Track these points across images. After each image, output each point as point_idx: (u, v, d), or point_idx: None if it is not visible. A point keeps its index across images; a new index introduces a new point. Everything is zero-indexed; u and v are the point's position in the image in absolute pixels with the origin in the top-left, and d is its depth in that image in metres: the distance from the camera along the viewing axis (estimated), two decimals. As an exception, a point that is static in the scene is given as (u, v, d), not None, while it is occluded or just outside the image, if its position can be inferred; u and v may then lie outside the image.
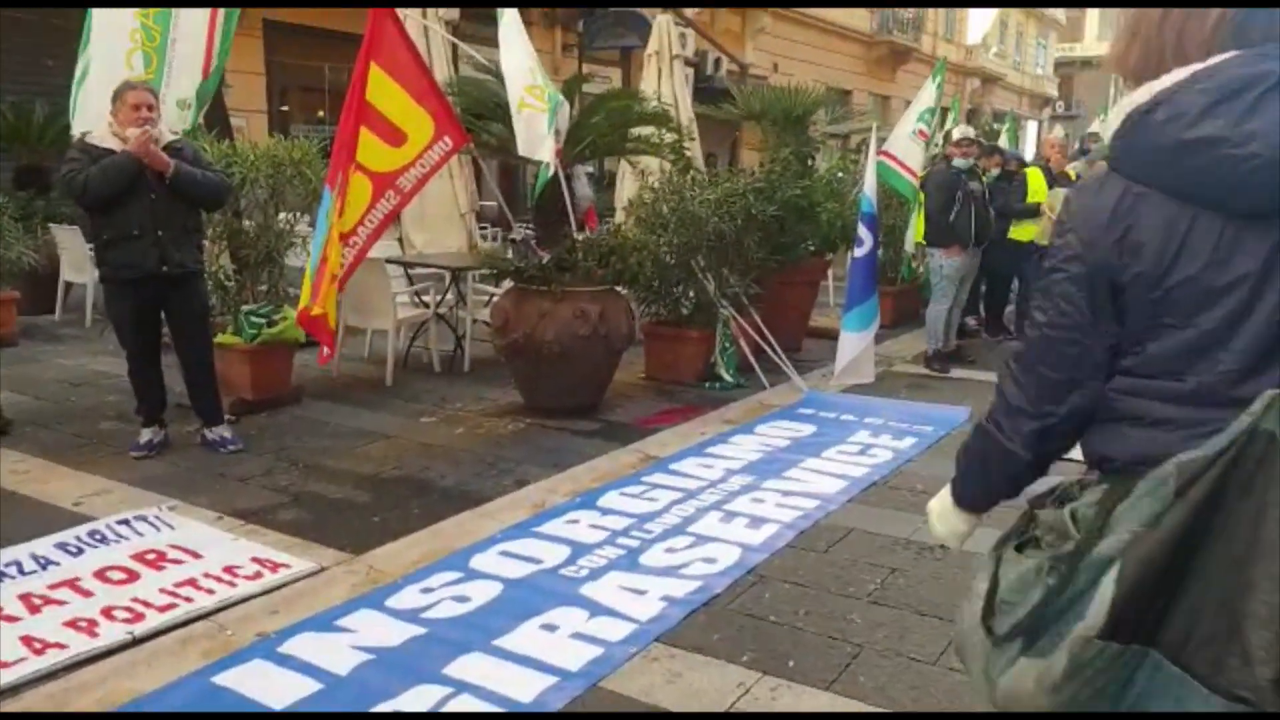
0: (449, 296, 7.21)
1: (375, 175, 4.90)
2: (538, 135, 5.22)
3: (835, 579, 3.72)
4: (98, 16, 5.45)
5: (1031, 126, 39.50)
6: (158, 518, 4.09)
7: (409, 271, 7.24)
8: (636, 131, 6.34)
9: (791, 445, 5.41)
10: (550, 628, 3.25)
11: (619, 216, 10.46)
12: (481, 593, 3.49)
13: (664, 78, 10.71)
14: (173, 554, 3.76)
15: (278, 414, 5.78)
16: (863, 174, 7.62)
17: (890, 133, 8.16)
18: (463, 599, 3.44)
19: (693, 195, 6.36)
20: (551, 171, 5.31)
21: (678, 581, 3.64)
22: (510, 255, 6.47)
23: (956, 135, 7.34)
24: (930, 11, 31.64)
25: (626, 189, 11.28)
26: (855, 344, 6.73)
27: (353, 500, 4.46)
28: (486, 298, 7.28)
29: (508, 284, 6.64)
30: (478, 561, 3.78)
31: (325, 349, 4.90)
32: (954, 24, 34.30)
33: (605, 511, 4.34)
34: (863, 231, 6.74)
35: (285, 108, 13.71)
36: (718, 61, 19.17)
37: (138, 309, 4.83)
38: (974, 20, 35.37)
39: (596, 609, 3.39)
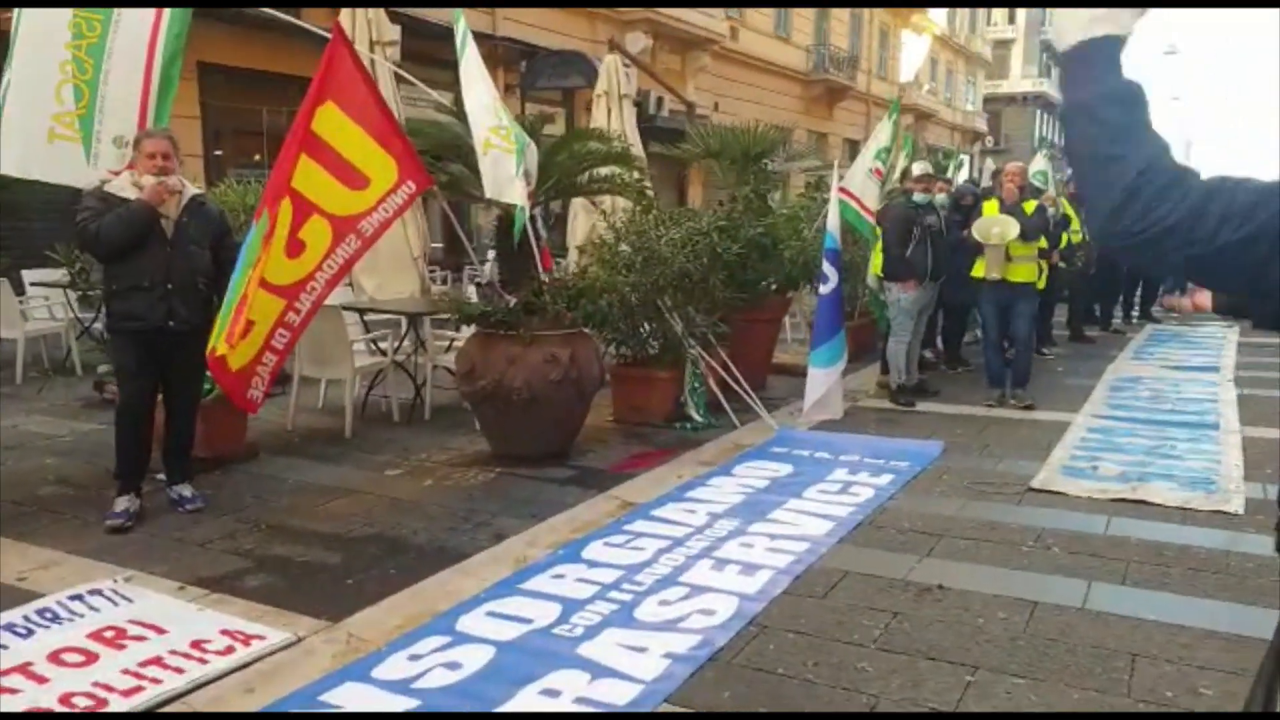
0: (406, 343, 6.99)
1: (335, 219, 4.72)
2: (505, 177, 5.08)
3: (838, 625, 3.59)
4: (24, 43, 5.10)
5: (964, 160, 40.48)
6: (114, 591, 3.80)
7: (363, 318, 7.01)
8: (602, 171, 6.24)
9: (771, 486, 5.29)
10: (551, 693, 3.06)
11: (572, 256, 10.37)
12: (473, 658, 3.28)
13: (614, 116, 10.71)
14: (134, 630, 3.48)
15: (233, 472, 5.49)
16: (823, 211, 7.64)
17: (849, 171, 8.18)
18: (454, 665, 3.23)
19: (658, 235, 6.27)
20: (528, 214, 5.18)
21: (678, 636, 3.48)
22: (473, 299, 6.28)
23: (917, 171, 7.39)
24: (864, 50, 32.41)
25: (579, 228, 11.22)
26: (823, 380, 6.67)
27: (324, 562, 4.21)
28: (446, 343, 7.10)
29: (468, 328, 6.48)
30: (465, 624, 3.57)
31: (255, 398, 4.68)
32: (887, 62, 35.18)
33: (592, 564, 4.16)
34: (827, 268, 6.71)
35: (220, 152, 13.39)
36: (660, 101, 19.32)
37: (141, 362, 4.60)
38: (906, 59, 36.33)
39: (598, 670, 3.20)
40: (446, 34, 15.09)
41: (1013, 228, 6.90)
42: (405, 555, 4.31)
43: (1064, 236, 9.29)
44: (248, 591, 3.86)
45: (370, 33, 8.61)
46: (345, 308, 6.70)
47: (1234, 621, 3.56)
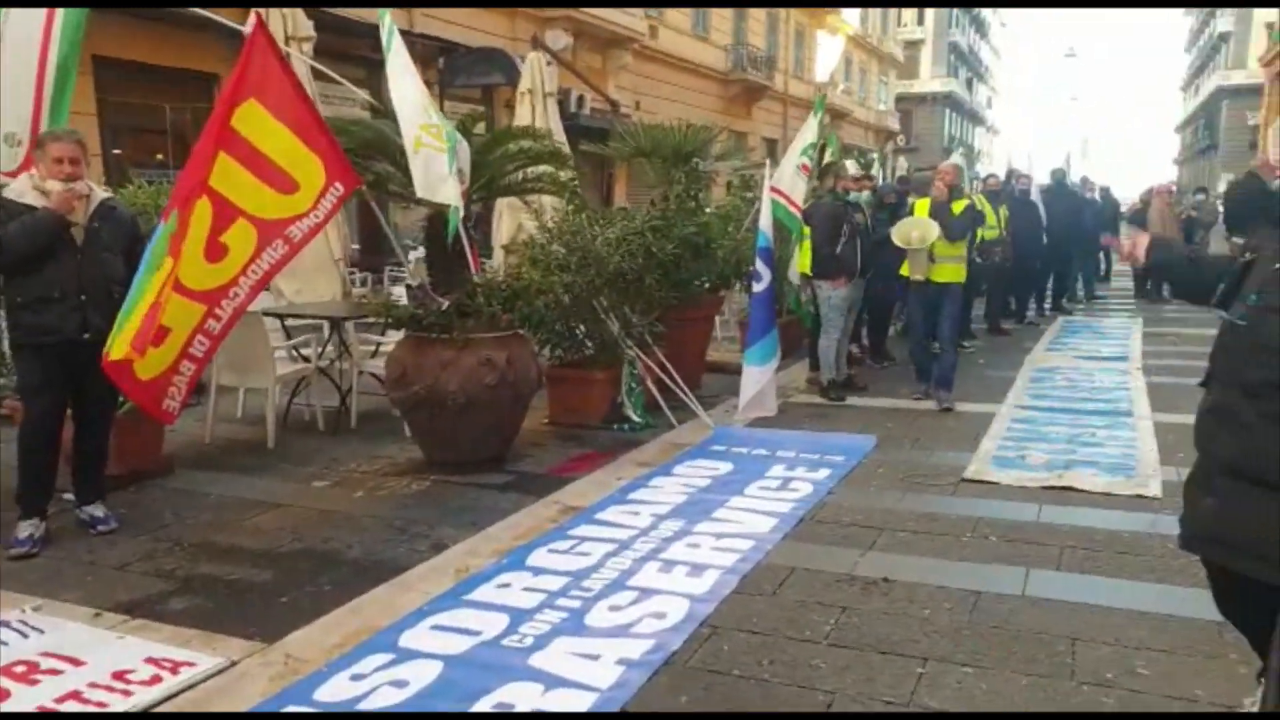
0: (329, 349, 6.78)
1: (262, 223, 4.52)
2: (438, 176, 4.94)
3: (789, 623, 3.57)
4: None
5: (874, 157, 41.29)
6: (22, 622, 3.56)
7: (284, 324, 6.76)
8: (535, 170, 6.14)
9: (713, 484, 5.27)
10: (505, 707, 2.97)
11: (497, 256, 10.21)
12: (420, 674, 3.17)
13: (538, 114, 10.57)
14: (46, 664, 3.26)
15: (148, 488, 5.23)
16: (755, 210, 7.65)
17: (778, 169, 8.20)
18: (401, 684, 3.11)
19: (593, 234, 6.19)
20: (462, 214, 5.04)
21: (630, 642, 3.42)
22: (401, 301, 6.11)
23: (852, 170, 7.46)
24: (781, 50, 32.79)
25: (504, 228, 11.06)
26: (758, 378, 6.67)
27: (253, 580, 4.03)
28: (372, 348, 6.90)
29: (395, 333, 6.31)
30: (409, 639, 3.44)
31: (172, 409, 4.47)
32: (803, 62, 35.66)
33: (537, 571, 4.07)
34: (760, 266, 6.72)
35: (120, 151, 12.81)
36: (581, 99, 19.22)
37: (51, 376, 4.33)
38: (822, 59, 36.89)
39: (551, 681, 3.12)
40: (363, 30, 14.80)
41: (932, 230, 6.90)
42: (340, 570, 4.15)
43: (979, 233, 9.49)
44: (172, 615, 3.66)
45: (285, 27, 8.35)
46: (265, 313, 6.46)
47: (1160, 602, 3.67)
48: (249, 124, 4.48)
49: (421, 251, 11.55)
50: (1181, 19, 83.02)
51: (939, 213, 7.11)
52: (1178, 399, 7.06)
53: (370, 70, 14.60)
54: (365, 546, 4.42)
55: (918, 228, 7.03)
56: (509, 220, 10.91)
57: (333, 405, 6.68)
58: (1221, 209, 14.17)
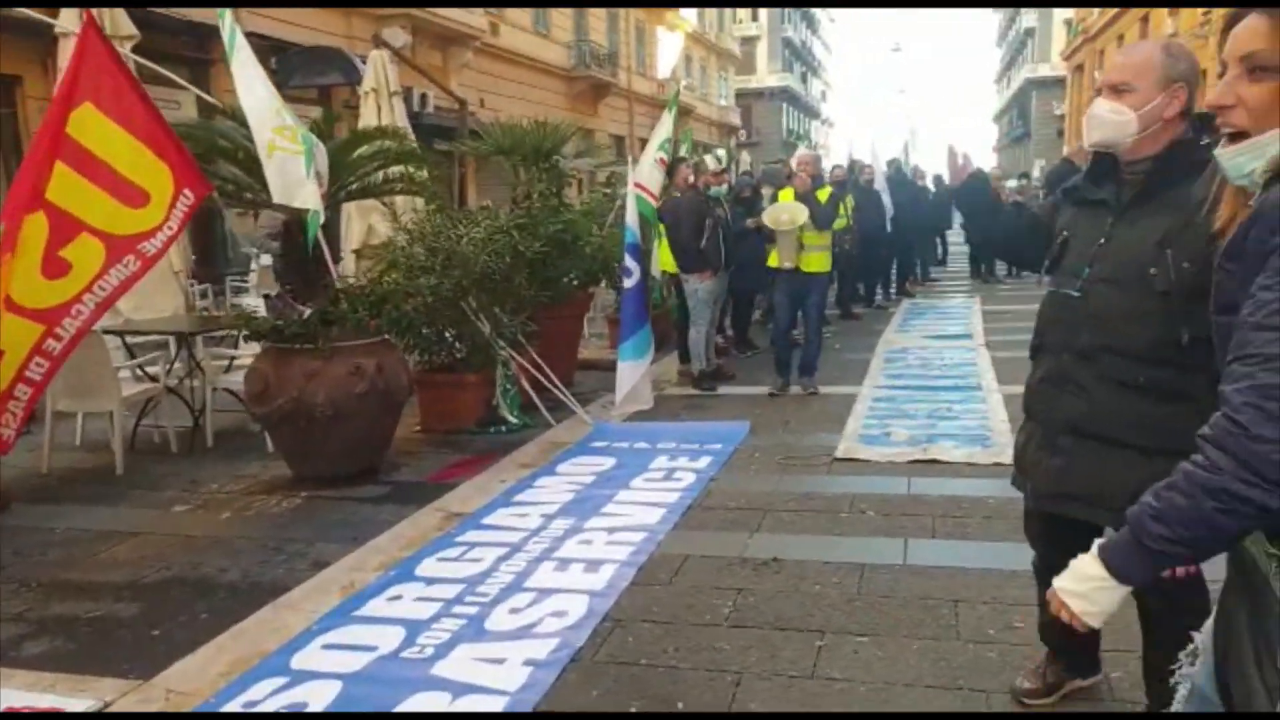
0: (177, 366, 6.39)
1: (111, 238, 4.21)
2: (295, 180, 4.73)
3: (689, 609, 3.62)
4: None
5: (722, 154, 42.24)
6: None
7: (125, 341, 6.32)
8: (395, 170, 5.95)
9: (598, 480, 5.27)
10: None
11: (348, 261, 9.86)
12: (319, 695, 3.04)
13: (384, 114, 10.28)
14: (-108, 723, 2.96)
15: (-17, 527, 4.81)
16: (618, 206, 7.69)
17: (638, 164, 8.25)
18: (299, 706, 2.97)
19: (458, 234, 6.07)
20: (322, 219, 4.84)
21: (535, 642, 3.38)
22: (262, 312, 5.83)
23: (711, 165, 7.58)
24: (623, 47, 33.03)
25: (353, 232, 10.70)
26: (633, 372, 6.72)
27: (118, 615, 3.76)
28: (225, 363, 6.56)
29: (250, 345, 6.02)
30: (301, 660, 3.30)
31: (6, 438, 4.14)
32: (646, 59, 36.05)
33: (429, 581, 3.97)
34: (629, 262, 6.76)
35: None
36: (424, 97, 18.83)
37: None
38: (663, 55, 37.40)
39: (458, 689, 3.05)
40: (186, 29, 13.98)
41: (801, 213, 7.06)
42: (215, 596, 3.93)
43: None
44: (30, 661, 3.37)
45: (105, 26, 7.80)
46: (106, 331, 6.01)
47: (1027, 560, 3.86)
48: (86, 131, 4.16)
49: (265, 260, 11.10)
50: (992, 16, 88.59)
51: (805, 202, 7.24)
52: (1021, 372, 7.53)
53: (195, 70, 13.87)
54: (241, 569, 4.20)
55: (787, 211, 7.16)
56: (359, 223, 10.54)
57: (185, 425, 6.30)
58: (1041, 193, 15.22)
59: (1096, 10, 37.18)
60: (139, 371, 6.26)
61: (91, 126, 4.17)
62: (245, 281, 11.45)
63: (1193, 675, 1.46)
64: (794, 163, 8.30)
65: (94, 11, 6.55)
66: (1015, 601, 3.50)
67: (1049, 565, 2.73)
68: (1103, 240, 2.30)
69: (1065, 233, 2.44)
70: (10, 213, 4.15)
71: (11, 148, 12.72)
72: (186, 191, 4.47)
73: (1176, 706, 1.47)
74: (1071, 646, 2.77)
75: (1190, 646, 1.49)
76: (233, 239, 14.60)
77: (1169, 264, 2.12)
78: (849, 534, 4.34)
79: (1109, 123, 2.20)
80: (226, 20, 5.22)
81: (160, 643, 3.49)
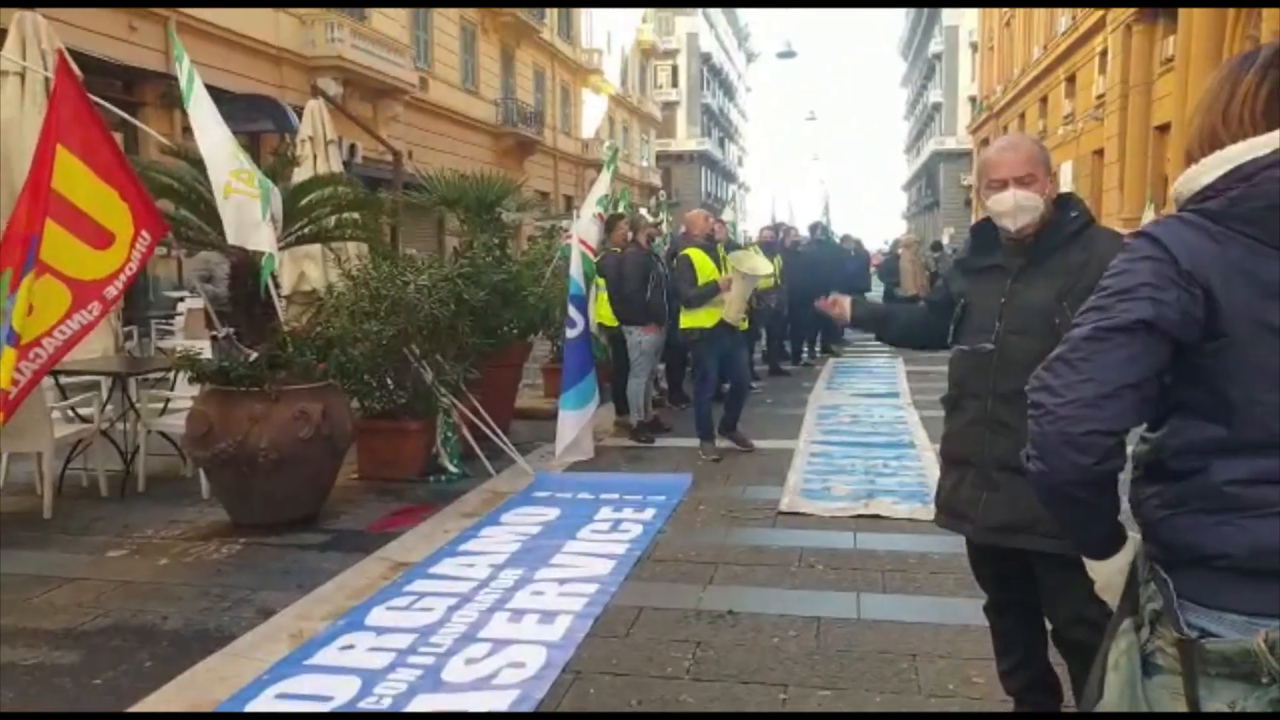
0: (109, 408, 6.18)
1: (76, 283, 4.11)
2: (251, 222, 4.69)
3: (649, 661, 3.64)
4: None
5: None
6: None
7: (58, 381, 6.10)
8: (346, 216, 5.94)
9: (544, 531, 5.26)
10: (381, 772, 2.83)
11: (280, 306, 9.70)
12: (280, 747, 2.96)
13: (319, 162, 10.24)
14: None
15: (-102, 571, 4.55)
16: (557, 257, 7.77)
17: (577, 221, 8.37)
18: (260, 759, 2.89)
19: (404, 281, 6.07)
20: (278, 262, 4.80)
21: (494, 694, 3.36)
22: (208, 354, 5.70)
23: (651, 220, 7.73)
24: (549, 107, 33.51)
25: (285, 276, 10.54)
26: (575, 422, 6.76)
27: (57, 663, 3.60)
28: (160, 404, 6.38)
29: (188, 387, 5.88)
30: (255, 709, 3.21)
31: None
32: (570, 119, 36.59)
33: (380, 631, 3.90)
34: (573, 313, 6.84)
35: None
36: (353, 147, 18.79)
37: None
38: (587, 116, 38.01)
39: (424, 741, 3.01)
40: (118, 71, 13.74)
41: (764, 265, 7.18)
42: (159, 644, 3.79)
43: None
44: (-35, 710, 3.21)
45: (45, 67, 7.63)
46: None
47: (979, 615, 3.98)
48: (63, 178, 4.07)
49: (195, 303, 10.84)
50: (899, 89, 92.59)
51: (715, 255, 7.19)
52: (947, 431, 7.82)
53: (125, 112, 13.62)
54: (183, 617, 4.06)
55: (749, 260, 7.21)
56: (290, 268, 10.41)
57: (116, 469, 6.08)
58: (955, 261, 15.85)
59: (1000, 89, 39.22)
60: (70, 412, 6.04)
61: (65, 170, 4.08)
62: (171, 325, 11.15)
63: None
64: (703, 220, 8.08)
65: (46, 47, 6.46)
66: (971, 656, 3.58)
67: (999, 606, 2.92)
68: (1003, 299, 2.59)
69: (964, 299, 2.73)
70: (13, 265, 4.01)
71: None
72: (144, 232, 4.40)
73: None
74: (1034, 689, 2.89)
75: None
76: (154, 282, 14.23)
77: (1068, 314, 2.33)
78: (801, 587, 4.42)
79: (1029, 209, 2.55)
80: (185, 65, 5.19)
81: (104, 692, 3.36)
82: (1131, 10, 21.80)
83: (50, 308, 4.09)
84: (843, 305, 3.28)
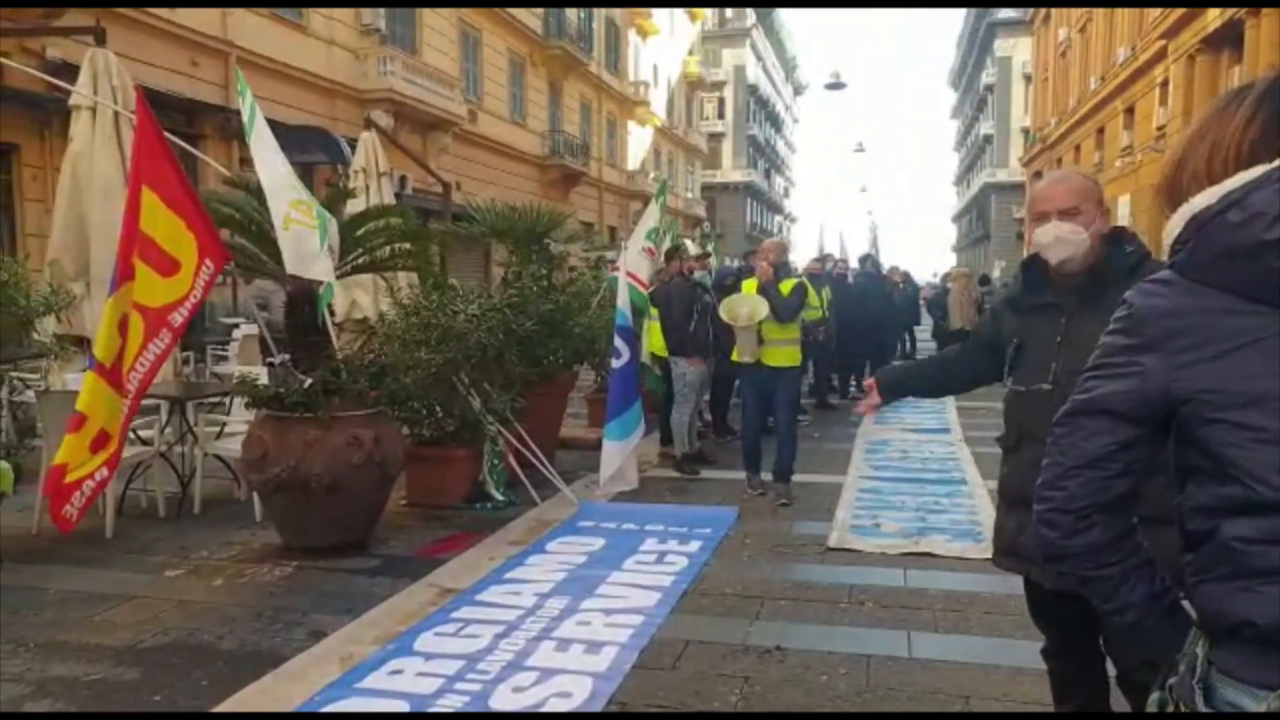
0: (168, 431, 6.34)
1: (148, 311, 4.25)
2: (309, 252, 4.82)
3: (696, 695, 3.62)
4: None
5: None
6: None
7: (119, 404, 6.27)
8: (399, 247, 6.07)
9: (589, 560, 5.28)
10: (431, 798, 2.85)
11: (337, 335, 9.89)
12: (332, 770, 3.00)
13: (373, 193, 10.45)
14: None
15: (-28, 586, 4.69)
16: (604, 288, 7.83)
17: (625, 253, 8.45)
18: (312, 781, 2.93)
19: (454, 311, 6.16)
20: (335, 291, 4.92)
21: (543, 723, 3.37)
22: (264, 380, 5.82)
23: (695, 251, 7.77)
24: (595, 139, 33.86)
25: (338, 305, 10.75)
26: (619, 452, 6.78)
27: (119, 679, 3.68)
28: (216, 429, 6.52)
29: (246, 412, 6.01)
30: (307, 733, 3.26)
31: (70, 515, 4.12)
32: (616, 150, 36.93)
33: (428, 657, 3.94)
34: (619, 343, 6.88)
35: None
36: (403, 179, 19.14)
37: None
38: (632, 148, 38.32)
39: (473, 768, 3.03)
40: (179, 105, 14.18)
41: (761, 308, 6.66)
42: (214, 663, 3.86)
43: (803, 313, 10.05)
44: (32, 724, 3.30)
45: (115, 101, 7.92)
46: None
47: (1034, 658, 3.94)
48: (148, 216, 4.23)
49: (249, 329, 11.09)
50: (949, 121, 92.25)
51: (766, 293, 6.79)
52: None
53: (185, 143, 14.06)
54: (238, 637, 4.14)
55: (746, 304, 6.75)
56: (343, 297, 10.61)
57: (173, 491, 6.22)
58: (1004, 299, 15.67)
59: (1054, 120, 38.89)
60: (132, 434, 6.19)
61: (149, 210, 4.23)
62: (225, 351, 11.39)
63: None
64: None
65: (103, 79, 6.71)
66: (1028, 700, 3.50)
67: (1058, 651, 2.84)
68: (1059, 338, 2.54)
69: (1016, 339, 2.67)
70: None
71: (4, 212, 12.78)
72: (208, 261, 4.54)
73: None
74: None
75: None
76: (210, 308, 14.57)
77: None
78: (850, 624, 4.37)
79: (1071, 242, 2.50)
80: (247, 97, 5.36)
81: (163, 708, 3.43)
82: (1195, 40, 21.52)
83: (133, 338, 4.23)
84: (871, 395, 3.26)
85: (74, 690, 3.57)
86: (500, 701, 3.53)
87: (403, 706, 3.47)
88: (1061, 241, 2.51)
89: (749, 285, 7.11)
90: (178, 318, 4.47)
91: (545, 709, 3.48)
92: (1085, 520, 1.41)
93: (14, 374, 6.71)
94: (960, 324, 15.29)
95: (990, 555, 5.24)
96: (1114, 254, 2.54)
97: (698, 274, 7.62)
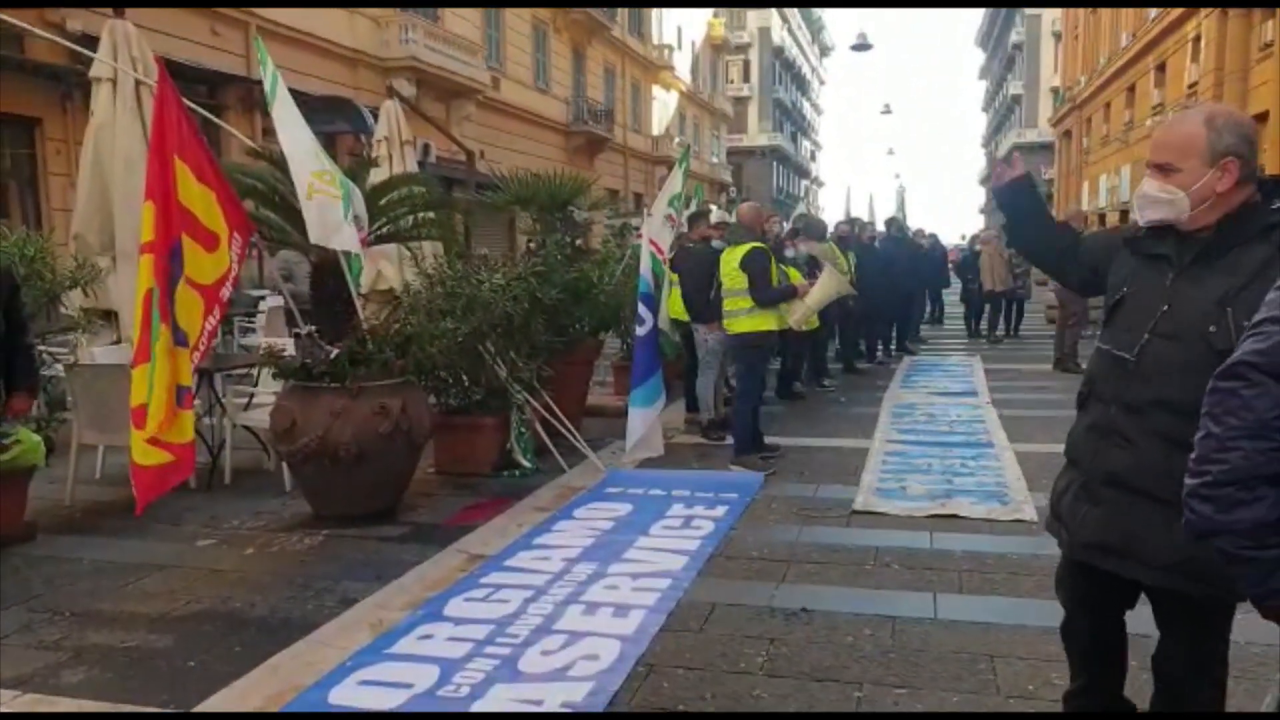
0: (196, 402, 6.40)
1: (203, 288, 4.30)
2: (333, 223, 4.82)
3: (723, 657, 3.64)
4: None
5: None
6: (-106, 706, 3.20)
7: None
8: (423, 215, 6.06)
9: (616, 526, 5.30)
10: (460, 760, 2.89)
11: (362, 305, 9.94)
12: (362, 733, 3.04)
13: (396, 162, 10.45)
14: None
15: (9, 556, 4.79)
16: (626, 255, 7.79)
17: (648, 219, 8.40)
18: (343, 743, 2.98)
19: (479, 280, 6.16)
20: (364, 261, 4.93)
21: (570, 685, 3.40)
22: (290, 351, 5.87)
23: (715, 219, 7.70)
24: (619, 105, 33.61)
25: (365, 275, 10.80)
26: (644, 419, 6.77)
27: (153, 646, 3.75)
28: (244, 400, 6.59)
29: (273, 383, 6.06)
30: (338, 696, 3.31)
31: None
32: (640, 116, 36.66)
33: (458, 621, 3.98)
34: (643, 311, 6.86)
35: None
36: (427, 147, 19.11)
37: None
38: (657, 113, 38.01)
39: (502, 730, 3.06)
40: (201, 76, 14.18)
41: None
42: (247, 630, 3.93)
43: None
44: (70, 688, 3.37)
45: (135, 71, 7.94)
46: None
47: (1058, 617, 3.92)
48: (184, 189, 4.26)
49: (275, 301, 11.16)
50: (977, 81, 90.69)
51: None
52: (1029, 430, 7.64)
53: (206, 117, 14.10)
54: (269, 605, 4.20)
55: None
56: (367, 267, 10.65)
57: (203, 461, 6.30)
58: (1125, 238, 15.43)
59: (1084, 79, 38.10)
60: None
61: (184, 182, 4.25)
62: (252, 323, 11.48)
63: None
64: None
65: (123, 49, 6.72)
66: (1051, 658, 3.45)
67: (1076, 629, 2.72)
68: (1165, 306, 2.28)
69: (1125, 288, 2.40)
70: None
71: (29, 187, 12.88)
72: (235, 234, 4.56)
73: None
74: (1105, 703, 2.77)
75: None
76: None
77: (1229, 323, 2.11)
78: (876, 586, 4.37)
79: (1160, 202, 2.25)
80: (269, 67, 5.35)
81: (197, 675, 3.49)
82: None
83: (194, 316, 4.28)
84: (1017, 167, 2.81)
85: (110, 657, 3.64)
86: (529, 664, 3.56)
87: (433, 670, 3.51)
88: (1149, 201, 2.27)
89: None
90: (226, 292, 4.53)
91: (574, 672, 3.50)
92: (1251, 492, 1.33)
93: (43, 348, 6.79)
94: (991, 286, 15.09)
95: (1018, 516, 5.28)
96: (1248, 209, 2.21)
97: (716, 242, 7.55)
